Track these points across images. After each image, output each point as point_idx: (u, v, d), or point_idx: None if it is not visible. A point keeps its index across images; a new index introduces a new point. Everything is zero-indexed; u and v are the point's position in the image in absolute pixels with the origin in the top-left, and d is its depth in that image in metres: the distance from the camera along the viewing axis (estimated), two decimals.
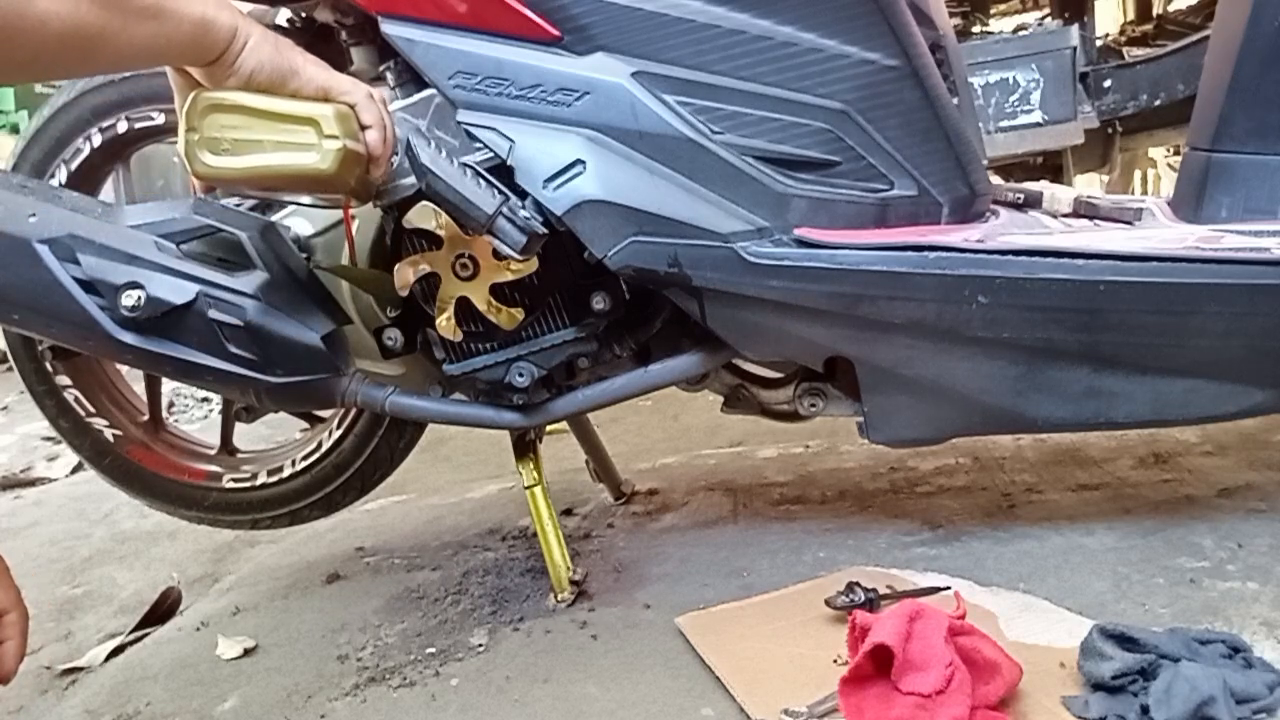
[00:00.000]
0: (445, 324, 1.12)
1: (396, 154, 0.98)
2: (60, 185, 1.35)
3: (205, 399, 2.93)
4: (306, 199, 1.00)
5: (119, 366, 1.47)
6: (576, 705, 0.98)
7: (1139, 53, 2.33)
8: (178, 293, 1.04)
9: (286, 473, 1.43)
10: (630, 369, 1.19)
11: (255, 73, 0.85)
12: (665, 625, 1.10)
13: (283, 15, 1.19)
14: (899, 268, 1.04)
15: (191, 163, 0.88)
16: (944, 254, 1.04)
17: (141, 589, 1.69)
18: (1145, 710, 0.79)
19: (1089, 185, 3.41)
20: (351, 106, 0.90)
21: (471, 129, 1.06)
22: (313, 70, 0.89)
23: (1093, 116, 2.12)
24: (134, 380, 1.50)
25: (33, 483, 2.48)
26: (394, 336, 1.16)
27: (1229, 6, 1.19)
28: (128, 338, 1.05)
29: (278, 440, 1.66)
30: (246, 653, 1.25)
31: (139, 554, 1.88)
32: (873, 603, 1.02)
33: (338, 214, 1.14)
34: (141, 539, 1.95)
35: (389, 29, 1.07)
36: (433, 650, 1.15)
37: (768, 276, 1.06)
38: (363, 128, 0.91)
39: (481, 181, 1.00)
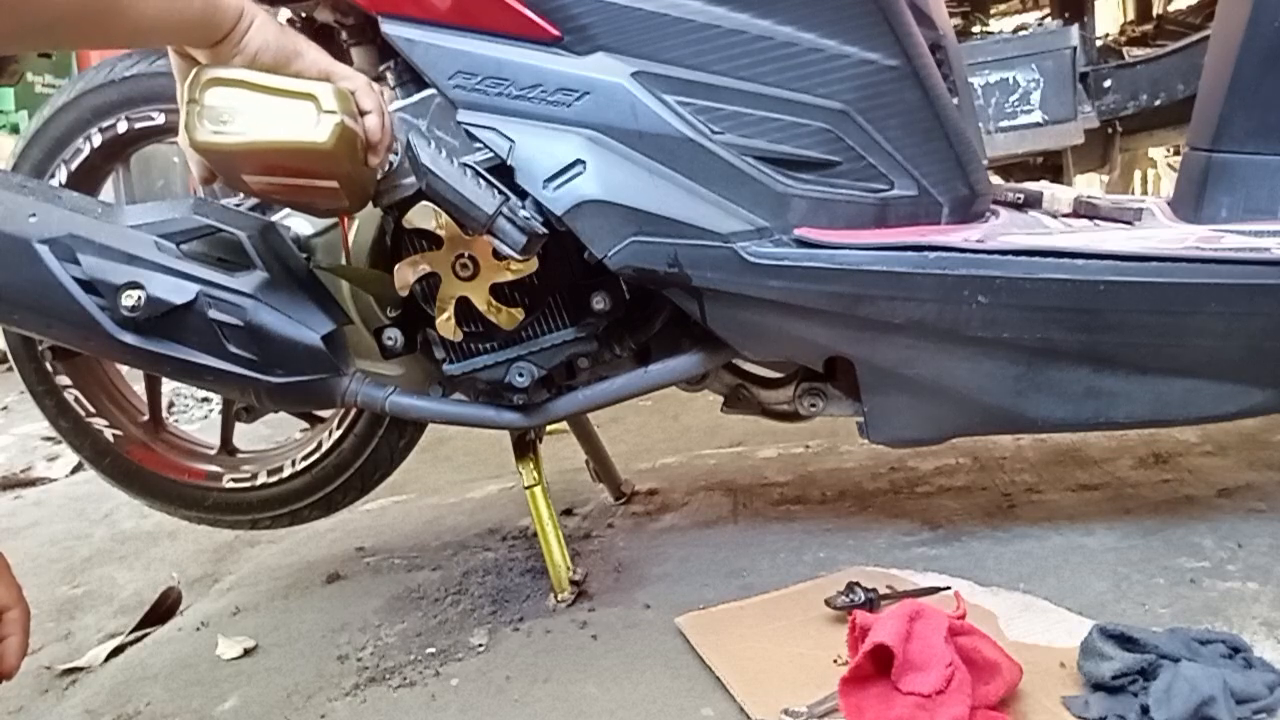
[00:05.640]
0: (445, 324, 1.12)
1: (395, 153, 0.98)
2: (60, 185, 1.34)
3: (205, 399, 2.92)
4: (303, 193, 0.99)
5: (119, 366, 1.47)
6: (576, 705, 0.98)
7: (1139, 53, 2.33)
8: (178, 293, 1.04)
9: (286, 473, 1.43)
10: (630, 369, 1.19)
11: (260, 53, 0.86)
12: (665, 625, 1.10)
13: (283, 15, 1.18)
14: (899, 268, 1.04)
15: (191, 133, 0.88)
16: (944, 254, 1.04)
17: (141, 589, 1.69)
18: (1145, 710, 0.79)
19: (1089, 185, 3.42)
20: (351, 92, 0.90)
21: (471, 129, 1.06)
22: (315, 54, 0.90)
23: (1093, 116, 2.12)
24: (134, 380, 1.50)
25: (33, 483, 2.47)
26: (394, 336, 1.16)
27: (1229, 6, 1.19)
28: (128, 338, 1.05)
29: (278, 440, 1.66)
30: (246, 653, 1.24)
31: (139, 554, 1.88)
32: (873, 603, 1.02)
33: None
34: (141, 539, 1.95)
35: (389, 29, 1.07)
36: (433, 650, 1.15)
37: (768, 276, 1.06)
38: (362, 113, 0.91)
39: (481, 181, 1.00)
